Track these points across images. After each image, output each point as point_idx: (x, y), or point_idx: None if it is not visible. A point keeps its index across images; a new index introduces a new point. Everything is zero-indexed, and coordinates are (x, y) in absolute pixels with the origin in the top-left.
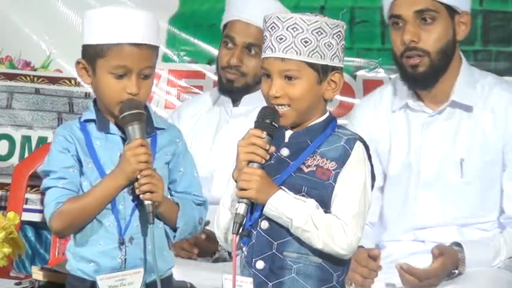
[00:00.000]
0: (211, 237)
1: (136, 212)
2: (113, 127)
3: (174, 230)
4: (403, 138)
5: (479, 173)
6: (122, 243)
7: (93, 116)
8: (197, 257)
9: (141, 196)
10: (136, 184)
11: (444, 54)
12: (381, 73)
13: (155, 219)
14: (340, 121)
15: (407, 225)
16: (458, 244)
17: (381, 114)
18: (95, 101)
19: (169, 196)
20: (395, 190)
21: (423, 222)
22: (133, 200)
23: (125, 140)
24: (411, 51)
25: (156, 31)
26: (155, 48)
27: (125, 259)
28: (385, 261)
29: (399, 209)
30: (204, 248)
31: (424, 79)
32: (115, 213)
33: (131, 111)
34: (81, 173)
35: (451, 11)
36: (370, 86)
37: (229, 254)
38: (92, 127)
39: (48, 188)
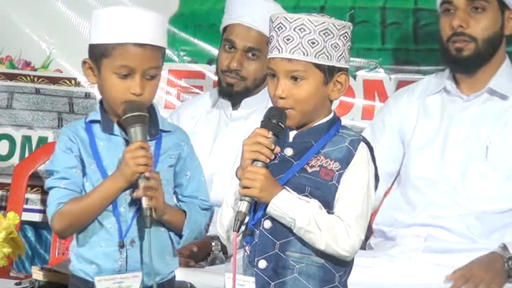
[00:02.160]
0: (201, 245)
1: (138, 215)
2: (116, 128)
3: (179, 235)
4: (434, 118)
5: (504, 159)
6: (122, 246)
7: (98, 116)
8: (194, 264)
9: (142, 201)
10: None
11: (490, 43)
12: (380, 73)
13: (160, 224)
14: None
15: (425, 202)
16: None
17: (413, 98)
18: (101, 102)
19: (175, 199)
20: (417, 167)
21: (441, 201)
22: (135, 203)
23: (128, 141)
24: (458, 36)
25: (161, 32)
26: (160, 49)
27: (126, 262)
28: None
29: (419, 186)
30: (199, 257)
31: (467, 63)
32: (116, 216)
33: (133, 113)
34: (84, 174)
35: (502, 5)
36: (370, 86)
37: (224, 252)
38: (96, 128)
39: (51, 187)
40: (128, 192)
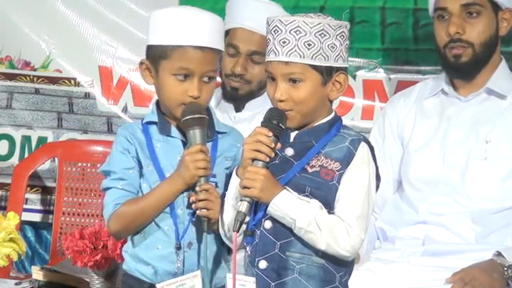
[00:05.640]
0: None
1: (195, 217)
2: (174, 130)
3: None
4: (432, 119)
5: (504, 157)
6: (179, 248)
7: (155, 118)
8: None
9: (197, 212)
10: (193, 198)
11: (487, 47)
12: (380, 73)
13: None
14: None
15: (425, 202)
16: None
17: (409, 102)
18: (157, 103)
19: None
20: (417, 168)
21: (441, 201)
22: (191, 206)
23: (185, 143)
24: (455, 43)
25: (220, 35)
26: (219, 52)
27: (183, 264)
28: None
29: (419, 187)
30: None
31: (466, 69)
32: (173, 218)
33: (193, 116)
34: (141, 175)
35: (495, 6)
36: (370, 86)
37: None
38: (153, 129)
39: (108, 188)
40: (185, 194)
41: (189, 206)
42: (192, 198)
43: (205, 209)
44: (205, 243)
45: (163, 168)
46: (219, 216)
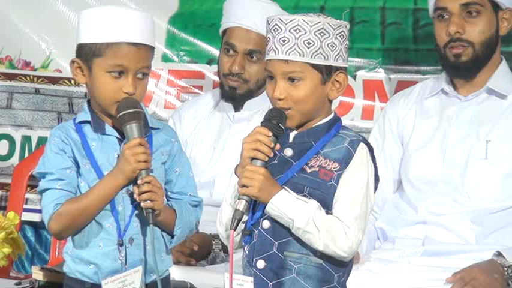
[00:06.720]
0: (202, 244)
1: (136, 213)
2: (108, 128)
3: (171, 235)
4: (432, 119)
5: (504, 157)
6: (121, 244)
7: (88, 117)
8: (195, 263)
9: (141, 204)
10: (136, 190)
11: (487, 46)
12: (380, 73)
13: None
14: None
15: (425, 201)
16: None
17: (410, 102)
18: (89, 102)
19: (164, 196)
20: (417, 167)
21: (441, 200)
22: (132, 201)
23: (120, 140)
24: (455, 42)
25: (152, 32)
26: (152, 49)
27: (125, 260)
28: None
29: (419, 186)
30: (199, 256)
31: (466, 69)
32: (114, 215)
33: (129, 110)
34: (78, 174)
35: (495, 6)
36: (370, 86)
37: (224, 251)
38: (87, 128)
39: (46, 189)
40: (124, 190)
41: (132, 201)
42: (136, 191)
43: (149, 200)
44: (150, 237)
45: (101, 166)
46: (163, 207)
